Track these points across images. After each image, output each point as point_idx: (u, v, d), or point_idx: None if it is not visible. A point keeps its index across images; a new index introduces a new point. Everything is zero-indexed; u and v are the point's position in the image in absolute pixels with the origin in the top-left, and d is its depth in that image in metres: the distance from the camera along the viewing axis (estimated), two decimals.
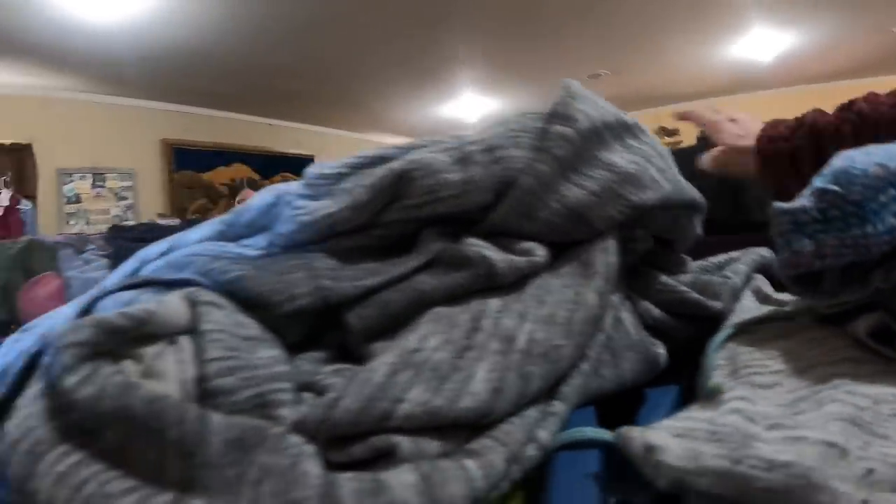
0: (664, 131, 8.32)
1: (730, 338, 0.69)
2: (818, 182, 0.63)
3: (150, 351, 0.52)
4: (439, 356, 0.54)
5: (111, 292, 0.67)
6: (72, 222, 8.22)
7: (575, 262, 0.68)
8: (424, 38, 7.33)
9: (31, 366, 0.61)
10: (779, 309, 0.76)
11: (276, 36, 6.89)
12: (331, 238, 0.69)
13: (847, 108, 1.12)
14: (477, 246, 0.66)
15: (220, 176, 9.43)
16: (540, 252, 0.67)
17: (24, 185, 7.54)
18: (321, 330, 0.65)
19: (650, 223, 0.78)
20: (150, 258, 0.82)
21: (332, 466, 0.45)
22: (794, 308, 0.74)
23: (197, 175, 9.41)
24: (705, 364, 0.65)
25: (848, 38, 7.84)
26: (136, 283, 0.68)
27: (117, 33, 6.32)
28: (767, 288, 0.90)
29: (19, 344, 0.73)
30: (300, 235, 0.70)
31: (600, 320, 0.67)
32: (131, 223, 6.54)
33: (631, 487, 0.50)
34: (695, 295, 0.80)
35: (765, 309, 0.78)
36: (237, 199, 5.72)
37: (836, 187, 0.61)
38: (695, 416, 0.50)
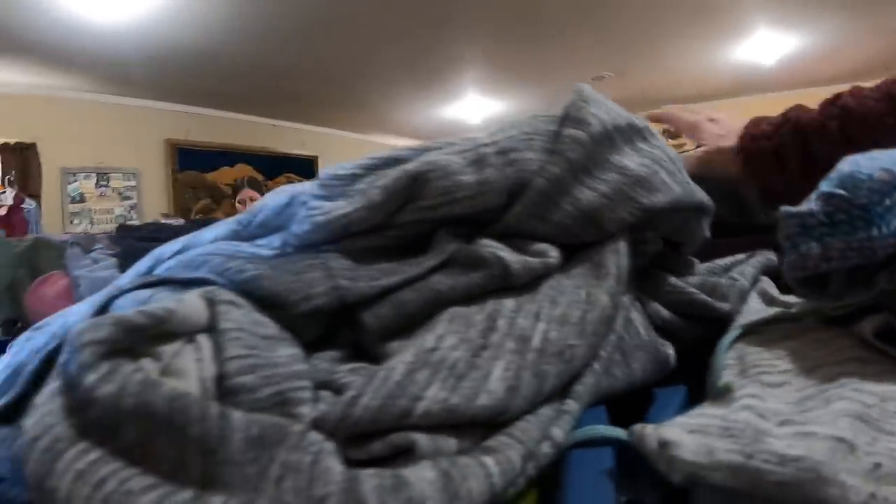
0: (667, 133, 8.34)
1: (738, 338, 0.70)
2: (825, 186, 0.64)
3: (168, 349, 0.52)
4: (456, 355, 0.55)
5: (127, 291, 0.67)
6: (75, 222, 8.24)
7: (587, 264, 0.69)
8: (428, 39, 7.34)
9: (46, 363, 0.63)
10: (786, 310, 0.77)
11: (280, 37, 6.90)
12: (345, 238, 0.69)
13: (832, 103, 1.12)
14: (491, 247, 0.67)
15: (224, 176, 9.44)
16: (553, 253, 0.68)
17: (28, 184, 7.56)
18: (335, 329, 0.66)
19: (660, 225, 0.79)
20: (164, 257, 0.83)
21: (351, 464, 0.46)
22: (801, 309, 0.75)
23: (201, 175, 9.43)
24: (715, 364, 0.65)
25: (851, 41, 7.85)
26: (152, 282, 0.69)
27: (123, 33, 6.33)
28: (773, 290, 0.90)
29: (31, 342, 0.74)
30: (315, 235, 0.70)
31: (612, 321, 0.68)
32: (136, 223, 6.56)
33: (641, 486, 0.51)
34: (703, 296, 0.81)
35: (772, 310, 0.79)
36: (237, 198, 5.70)
37: (842, 191, 0.62)
38: (707, 413, 0.50)
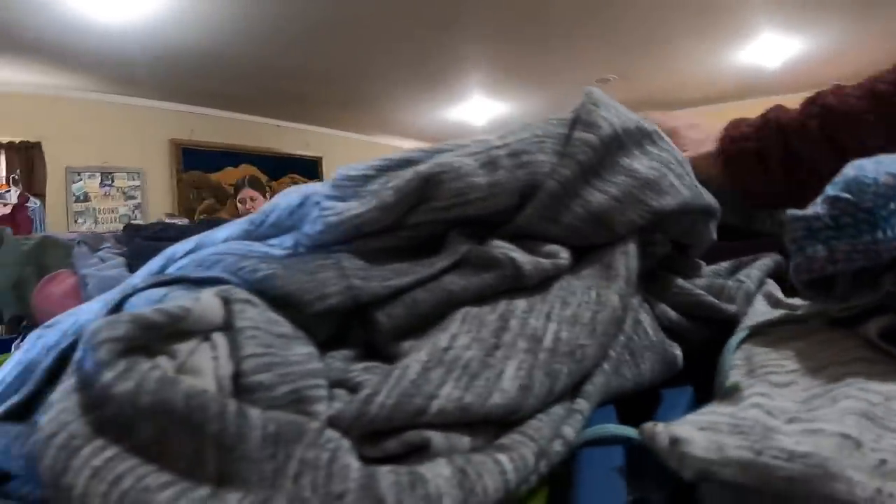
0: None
1: (745, 339, 0.71)
2: (830, 190, 0.65)
3: (183, 347, 0.52)
4: (469, 354, 0.56)
5: (141, 289, 0.68)
6: (80, 221, 8.24)
7: (597, 265, 0.70)
8: (433, 41, 7.34)
9: (60, 361, 0.63)
10: (792, 312, 0.78)
11: (285, 38, 6.91)
12: (357, 239, 0.70)
13: (812, 101, 1.13)
14: (503, 248, 0.67)
15: (229, 176, 9.44)
16: (564, 255, 0.69)
17: (33, 182, 7.57)
18: (347, 329, 0.66)
19: (669, 228, 0.79)
20: (176, 256, 0.84)
21: (365, 461, 0.47)
22: (807, 311, 0.75)
23: (205, 175, 9.43)
24: (723, 364, 0.66)
25: (855, 44, 7.84)
26: (166, 281, 0.69)
27: (128, 33, 6.34)
28: (778, 292, 0.91)
29: (43, 340, 0.74)
30: (327, 236, 0.70)
31: (622, 321, 0.69)
32: (140, 222, 6.56)
33: (648, 485, 0.52)
34: (710, 298, 0.81)
35: (778, 312, 0.79)
36: (238, 197, 5.68)
37: (848, 195, 0.62)
38: (717, 411, 0.51)
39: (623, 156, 0.74)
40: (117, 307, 0.67)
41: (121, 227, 7.65)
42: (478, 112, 10.51)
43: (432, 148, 0.74)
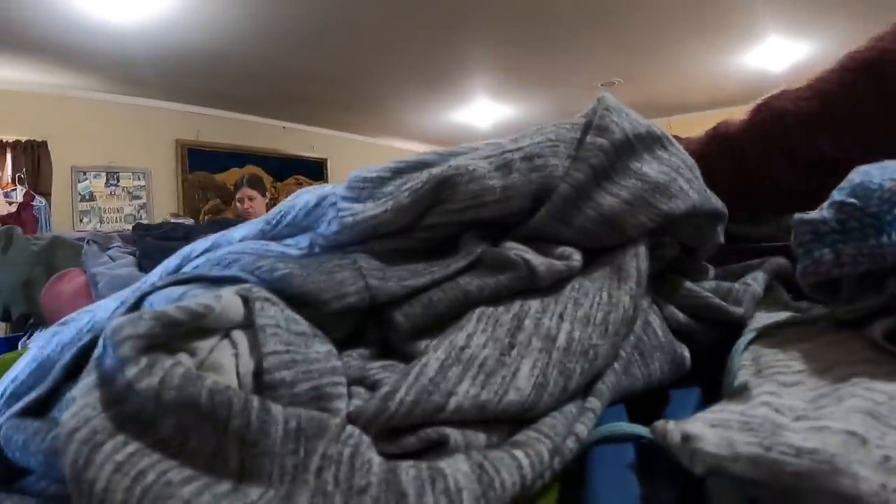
0: (676, 140, 8.30)
1: (753, 340, 0.72)
2: (837, 195, 0.66)
3: (203, 345, 0.53)
4: (486, 353, 0.57)
5: (159, 288, 0.68)
6: (85, 220, 8.24)
7: (608, 267, 0.71)
8: (439, 43, 7.33)
9: (78, 358, 0.64)
10: (799, 314, 0.79)
11: (291, 40, 6.90)
12: (373, 240, 0.71)
13: (762, 107, 1.14)
14: (517, 249, 0.69)
15: (234, 177, 9.39)
16: (576, 257, 0.70)
17: (38, 181, 7.57)
18: (362, 328, 0.67)
19: (678, 231, 0.80)
20: (192, 255, 0.84)
21: (384, 457, 0.47)
22: (814, 313, 0.76)
23: (210, 176, 9.43)
24: (731, 365, 0.67)
25: None
26: (184, 279, 0.70)
27: (136, 34, 6.35)
28: (784, 295, 0.92)
29: (58, 337, 0.75)
30: (343, 236, 0.71)
31: (633, 322, 0.70)
32: (146, 222, 6.56)
33: (658, 482, 0.53)
34: (718, 301, 0.82)
35: (784, 314, 0.80)
36: (237, 196, 5.65)
37: (854, 200, 0.64)
38: (727, 409, 0.52)
39: (634, 160, 0.75)
40: (136, 305, 0.68)
41: (126, 226, 7.68)
42: (483, 115, 10.49)
43: (446, 150, 0.75)
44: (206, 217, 8.86)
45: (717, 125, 1.17)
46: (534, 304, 0.64)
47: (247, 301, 0.57)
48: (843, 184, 0.67)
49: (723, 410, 0.52)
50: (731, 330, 0.79)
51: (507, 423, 0.55)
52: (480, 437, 0.53)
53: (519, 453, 0.50)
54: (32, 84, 7.70)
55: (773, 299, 0.89)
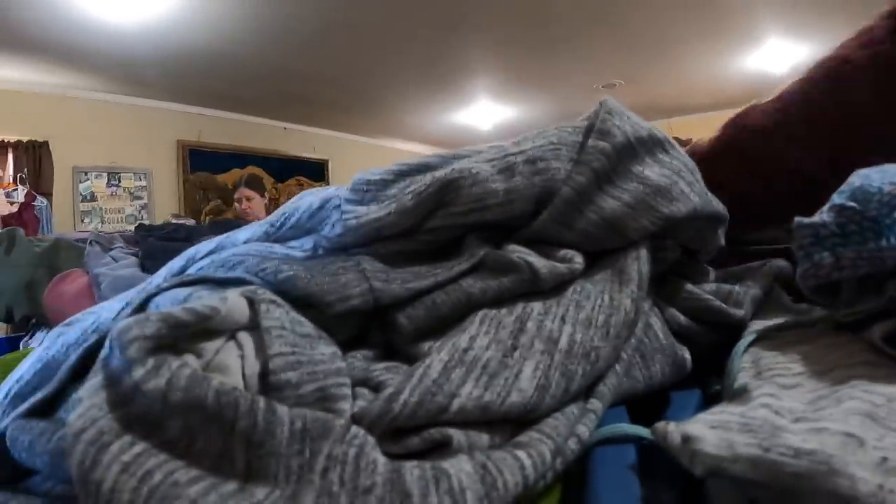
0: (677, 142, 8.28)
1: (753, 343, 0.72)
2: (837, 198, 0.66)
3: (209, 346, 0.53)
4: (488, 355, 0.57)
5: (165, 289, 0.69)
6: (86, 220, 8.23)
7: (610, 270, 0.72)
8: (440, 45, 7.33)
9: (86, 358, 0.64)
10: (799, 317, 0.79)
11: (293, 41, 6.90)
12: (376, 242, 0.71)
13: (729, 124, 1.15)
14: (520, 252, 0.69)
15: (235, 178, 9.40)
16: (578, 259, 0.70)
17: (40, 181, 7.57)
18: (366, 329, 0.68)
19: (679, 234, 0.81)
20: (197, 257, 0.85)
21: (388, 458, 0.48)
22: (813, 316, 0.77)
23: (212, 177, 9.42)
24: (731, 367, 0.67)
25: None
26: (189, 281, 0.70)
27: (137, 34, 6.35)
28: (785, 297, 0.92)
29: (63, 338, 0.74)
30: (347, 239, 0.71)
31: (634, 324, 0.70)
32: (147, 223, 6.57)
33: (659, 483, 0.53)
34: (719, 303, 0.82)
35: (785, 317, 0.80)
36: (235, 196, 5.65)
37: (853, 204, 0.64)
38: (727, 411, 0.52)
39: (636, 163, 0.75)
40: (142, 306, 0.68)
41: (127, 227, 7.68)
42: (484, 116, 10.48)
43: (449, 153, 0.76)
44: (208, 218, 8.86)
45: (692, 146, 1.17)
46: (536, 307, 0.65)
47: (252, 303, 0.57)
48: (843, 187, 0.67)
49: (723, 412, 0.53)
50: (732, 332, 0.80)
51: (509, 424, 0.56)
52: (483, 438, 0.53)
53: (521, 454, 0.51)
54: (34, 84, 7.70)
55: (773, 302, 0.90)
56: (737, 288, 0.88)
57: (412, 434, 0.52)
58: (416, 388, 0.53)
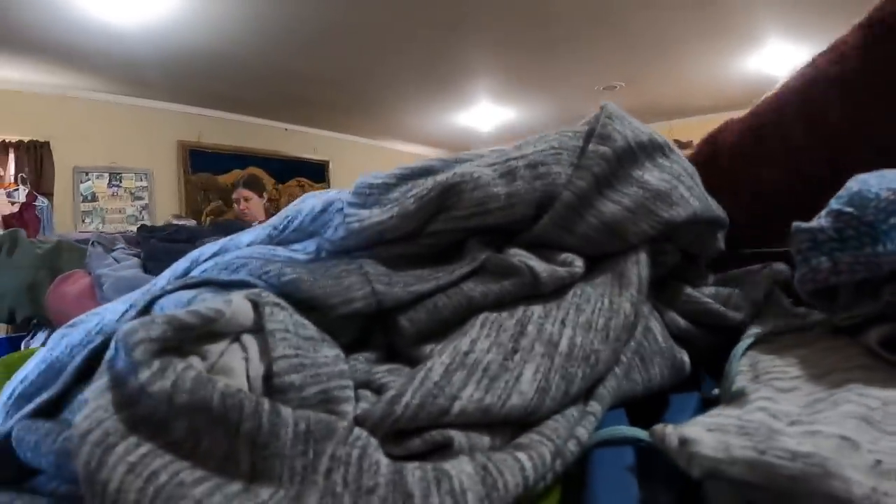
0: (678, 144, 8.25)
1: (751, 346, 0.73)
2: (835, 204, 0.67)
3: (214, 348, 0.54)
4: (489, 358, 0.58)
5: (169, 292, 0.69)
6: (87, 220, 8.22)
7: (610, 273, 0.72)
8: (441, 46, 7.32)
9: (91, 359, 0.64)
10: (797, 320, 0.79)
11: (295, 42, 6.89)
12: (378, 245, 0.72)
13: (707, 140, 1.16)
14: (521, 256, 0.70)
15: (236, 179, 9.42)
16: (578, 263, 0.71)
17: (41, 182, 7.56)
18: (368, 332, 0.68)
19: (679, 238, 0.81)
20: (201, 259, 0.85)
21: (390, 459, 0.48)
22: (811, 320, 0.77)
23: (213, 177, 9.40)
24: (729, 370, 0.68)
25: None
26: (194, 283, 0.70)
27: (138, 35, 6.34)
28: (784, 301, 0.92)
29: (67, 339, 0.75)
30: (349, 242, 0.72)
31: (633, 328, 0.71)
32: (148, 223, 6.56)
33: (657, 485, 0.54)
34: (718, 306, 0.83)
35: (783, 320, 0.81)
36: (233, 196, 5.65)
37: (851, 209, 0.64)
38: (724, 414, 0.53)
39: (636, 168, 0.76)
40: (146, 308, 0.68)
41: (128, 227, 7.67)
42: (484, 117, 10.46)
43: (451, 157, 0.76)
44: (209, 218, 8.86)
45: None
46: (537, 310, 0.65)
47: (256, 306, 0.57)
48: (841, 192, 0.68)
49: (720, 415, 0.53)
50: (731, 335, 0.80)
51: (510, 426, 0.56)
52: (484, 440, 0.54)
53: (522, 455, 0.51)
54: (35, 84, 7.70)
55: (773, 305, 0.90)
56: (736, 291, 0.89)
57: (414, 436, 0.53)
58: (417, 391, 0.53)
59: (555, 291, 0.69)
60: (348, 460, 0.46)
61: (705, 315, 0.83)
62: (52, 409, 0.64)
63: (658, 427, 0.51)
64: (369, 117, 10.27)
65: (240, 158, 9.72)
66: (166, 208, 8.62)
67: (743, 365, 0.67)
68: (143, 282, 1.44)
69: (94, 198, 8.37)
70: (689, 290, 0.84)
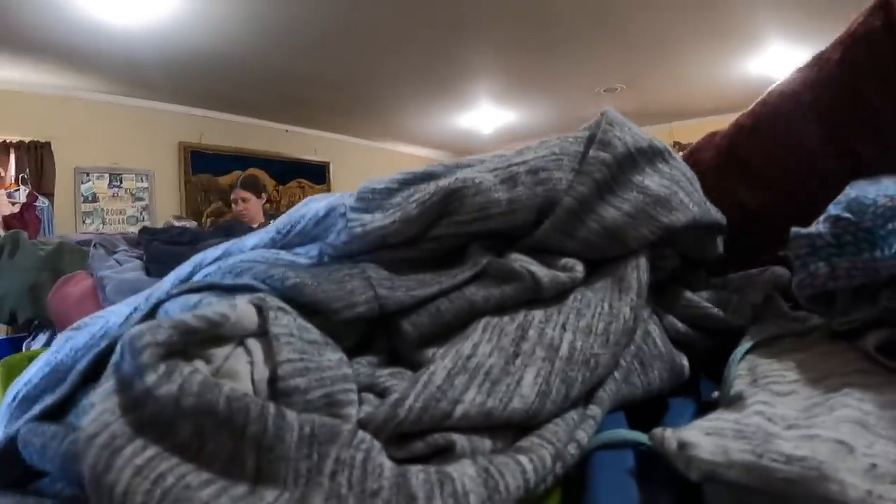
0: (678, 146, 8.24)
1: (750, 350, 0.73)
2: (833, 209, 0.67)
3: (219, 352, 0.54)
4: (491, 362, 0.59)
5: (174, 295, 0.70)
6: (87, 221, 8.21)
7: (610, 278, 0.73)
8: (442, 48, 7.31)
9: (96, 362, 0.65)
10: (795, 325, 0.80)
11: (296, 44, 6.88)
12: (381, 250, 0.72)
13: (686, 157, 1.14)
14: (522, 261, 0.70)
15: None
16: (579, 268, 0.72)
17: (41, 182, 7.55)
18: (371, 336, 0.69)
19: (678, 243, 0.82)
20: (204, 263, 0.85)
21: (393, 462, 0.49)
22: (809, 324, 0.78)
23: (213, 178, 9.39)
24: (728, 374, 0.68)
25: None
26: (198, 287, 0.70)
27: (140, 36, 6.33)
28: (783, 305, 0.93)
29: (72, 342, 0.75)
30: (352, 246, 0.72)
31: (633, 332, 0.72)
32: (148, 224, 6.56)
33: (656, 487, 0.54)
34: (717, 311, 0.83)
35: (781, 325, 0.81)
36: (231, 197, 5.63)
37: (849, 215, 0.65)
38: (722, 418, 0.53)
39: (636, 173, 0.76)
40: (151, 312, 0.69)
41: (128, 228, 7.66)
42: (485, 119, 10.44)
43: (453, 162, 0.77)
44: (209, 219, 8.85)
45: None
46: (537, 315, 0.66)
47: (261, 310, 0.58)
48: (840, 198, 0.68)
49: (718, 419, 0.54)
50: (730, 339, 0.79)
51: (511, 429, 0.57)
52: (486, 443, 0.55)
53: (523, 458, 0.52)
54: (36, 85, 7.69)
55: (772, 309, 0.90)
56: (735, 296, 0.89)
57: (417, 439, 0.54)
58: (420, 394, 0.54)
59: (556, 296, 0.69)
60: (352, 463, 0.46)
61: (704, 319, 0.83)
62: (58, 413, 0.65)
63: (657, 431, 0.52)
64: (370, 119, 10.26)
65: (240, 159, 9.69)
66: (167, 209, 8.61)
67: (741, 369, 0.68)
68: (146, 284, 1.44)
69: (94, 198, 8.36)
70: (688, 294, 0.85)
